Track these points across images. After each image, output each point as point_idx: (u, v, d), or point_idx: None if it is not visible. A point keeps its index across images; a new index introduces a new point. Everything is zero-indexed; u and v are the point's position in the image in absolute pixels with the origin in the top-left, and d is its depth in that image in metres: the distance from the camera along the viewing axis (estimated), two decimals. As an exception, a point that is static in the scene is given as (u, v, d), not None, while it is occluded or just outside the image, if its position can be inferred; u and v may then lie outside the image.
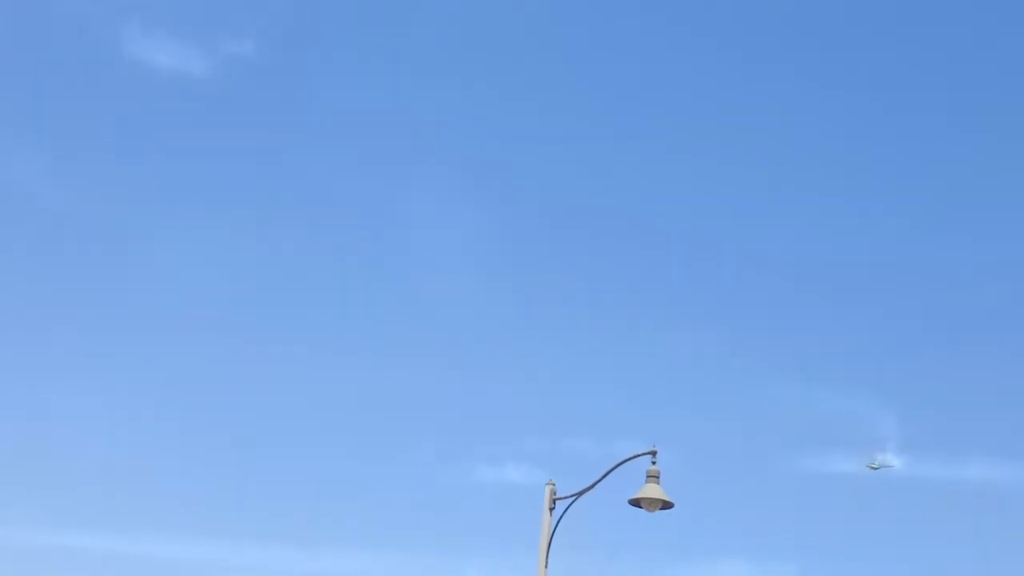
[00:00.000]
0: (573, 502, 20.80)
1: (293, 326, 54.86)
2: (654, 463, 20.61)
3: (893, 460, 44.77)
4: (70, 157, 55.68)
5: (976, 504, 48.54)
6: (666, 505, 20.49)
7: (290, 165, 56.34)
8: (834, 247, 58.64)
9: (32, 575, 43.59)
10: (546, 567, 20.61)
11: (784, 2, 61.13)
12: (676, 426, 49.55)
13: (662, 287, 58.24)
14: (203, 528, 46.27)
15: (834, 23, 61.28)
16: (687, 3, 61.22)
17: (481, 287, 56.56)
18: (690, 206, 59.56)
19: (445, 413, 51.88)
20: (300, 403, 51.97)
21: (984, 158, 59.09)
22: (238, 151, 56.95)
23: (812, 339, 56.85)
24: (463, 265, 56.38)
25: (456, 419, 51.88)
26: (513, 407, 52.56)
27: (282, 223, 56.58)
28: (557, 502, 20.86)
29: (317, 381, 52.90)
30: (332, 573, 46.35)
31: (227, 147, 56.95)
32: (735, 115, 60.05)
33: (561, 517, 20.79)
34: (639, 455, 20.69)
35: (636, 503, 20.53)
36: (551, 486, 20.99)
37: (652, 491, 20.36)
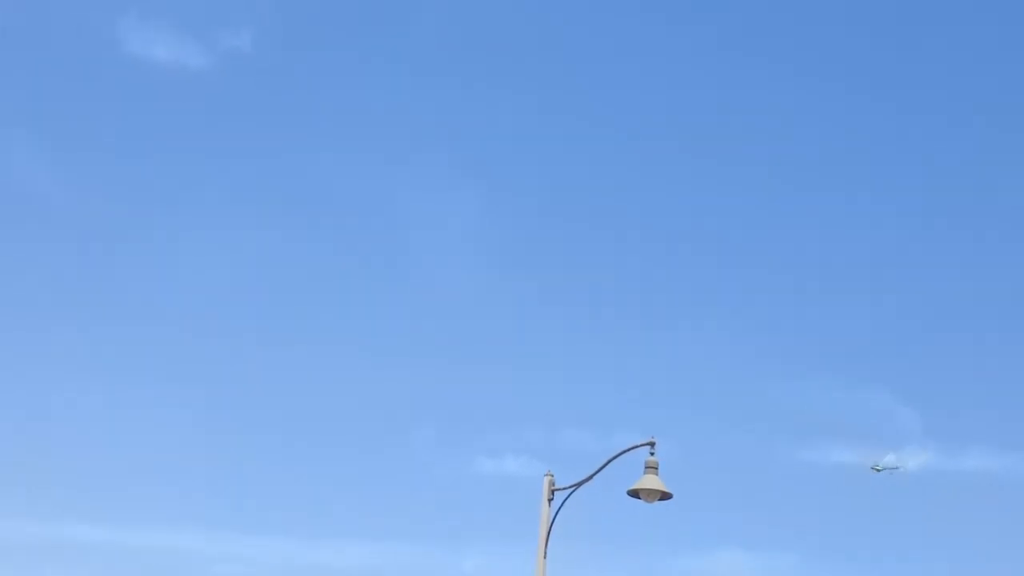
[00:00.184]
0: (572, 493, 20.84)
1: (293, 321, 54.99)
2: (652, 454, 20.64)
3: (897, 462, 44.94)
4: (68, 151, 55.74)
5: (976, 494, 48.67)
6: (665, 496, 20.52)
7: (289, 162, 56.42)
8: (833, 246, 58.85)
9: (33, 567, 43.64)
10: (545, 557, 20.65)
11: (784, 2, 61.21)
12: (674, 418, 49.66)
13: (662, 284, 58.39)
14: (204, 520, 46.41)
15: (834, 23, 61.39)
16: (687, 3, 61.32)
17: (481, 283, 56.68)
18: (690, 204, 59.72)
19: (444, 405, 51.98)
20: (300, 397, 52.08)
21: (984, 157, 59.27)
22: (237, 147, 57.02)
23: (811, 335, 57.01)
24: (463, 261, 56.51)
25: (455, 411, 51.98)
26: (512, 399, 52.67)
27: (282, 219, 56.67)
28: (556, 493, 20.89)
29: (317, 375, 53.03)
30: (332, 564, 46.45)
31: (226, 143, 57.05)
32: (735, 115, 60.18)
33: (560, 508, 20.83)
34: (637, 446, 20.72)
35: (635, 494, 20.55)
36: (550, 477, 21.02)
37: (651, 482, 20.39)
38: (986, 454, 49.74)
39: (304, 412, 51.50)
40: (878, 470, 45.01)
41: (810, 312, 57.80)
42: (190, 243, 55.37)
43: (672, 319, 56.59)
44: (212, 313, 54.08)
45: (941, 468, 49.10)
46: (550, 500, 20.86)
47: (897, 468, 44.91)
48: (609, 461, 20.63)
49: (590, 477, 20.70)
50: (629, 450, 20.66)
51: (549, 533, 20.72)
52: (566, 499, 20.82)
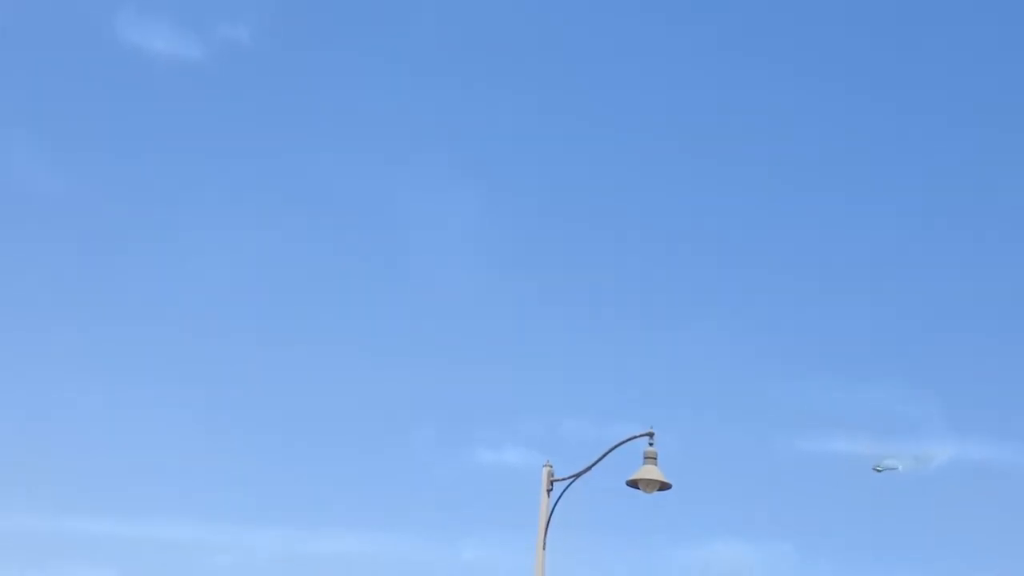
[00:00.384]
0: (571, 484, 20.87)
1: (293, 318, 54.91)
2: (651, 444, 20.67)
3: (898, 464, 45.34)
4: (66, 146, 55.63)
5: (976, 485, 48.79)
6: (664, 486, 20.55)
7: (288, 161, 56.35)
8: (832, 246, 58.98)
9: (36, 560, 43.73)
10: (544, 548, 20.68)
11: (784, 2, 61.22)
12: (672, 411, 49.70)
13: (662, 282, 58.32)
14: (205, 512, 46.42)
15: (834, 23, 61.36)
16: (687, 3, 61.30)
17: (480, 281, 56.67)
18: (690, 204, 59.82)
19: (443, 397, 51.99)
20: (299, 392, 52.09)
21: (984, 157, 59.38)
22: (236, 145, 56.88)
23: (810, 333, 57.07)
24: (463, 260, 56.49)
25: (453, 403, 51.99)
26: (511, 391, 52.69)
27: (281, 217, 56.65)
28: (555, 484, 20.92)
29: (316, 371, 52.99)
30: (331, 555, 46.50)
31: (224, 141, 56.91)
32: (735, 115, 60.24)
33: (559, 499, 20.87)
34: (636, 436, 20.75)
35: (634, 484, 20.58)
36: (548, 468, 21.05)
37: (650, 472, 20.42)
38: (985, 445, 49.86)
39: (303, 407, 51.51)
40: (879, 470, 45.37)
41: (810, 311, 57.85)
42: (189, 241, 55.32)
43: (672, 317, 56.61)
44: (212, 310, 54.05)
45: (941, 460, 49.24)
46: (549, 491, 20.89)
47: (897, 468, 45.36)
48: (608, 451, 20.67)
49: (589, 467, 20.74)
50: (628, 440, 20.69)
51: (548, 524, 20.75)
52: (565, 490, 20.86)
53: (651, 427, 20.70)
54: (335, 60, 58.83)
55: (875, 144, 60.35)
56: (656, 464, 20.54)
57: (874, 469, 45.39)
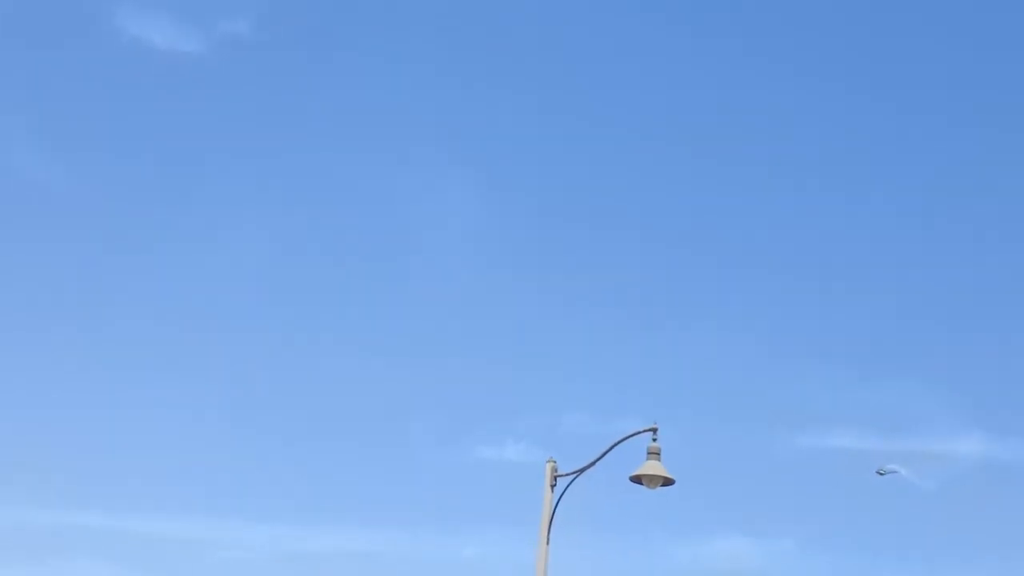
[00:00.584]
0: (574, 479, 20.83)
1: (293, 314, 54.98)
2: (655, 440, 20.64)
3: (900, 468, 45.67)
4: (65, 138, 55.65)
5: (975, 480, 48.82)
6: (667, 482, 20.53)
7: (288, 160, 56.48)
8: (832, 246, 59.09)
9: (40, 554, 43.77)
10: (547, 544, 20.65)
11: (785, 3, 61.23)
12: (675, 407, 49.72)
13: (662, 279, 58.47)
14: (207, 508, 46.48)
15: (834, 23, 61.40)
16: (687, 3, 61.31)
17: (482, 276, 56.77)
18: (689, 202, 59.91)
19: (444, 393, 52.02)
20: (300, 388, 52.15)
21: (983, 156, 59.43)
22: (235, 145, 56.98)
23: (811, 331, 57.23)
24: (463, 257, 56.58)
25: (455, 398, 52.01)
26: (511, 387, 52.72)
27: (282, 214, 56.70)
28: (558, 479, 20.89)
29: (317, 366, 53.05)
30: (333, 552, 46.53)
31: (224, 135, 56.97)
32: (735, 115, 60.29)
33: (562, 494, 20.83)
34: (640, 432, 20.72)
35: (637, 480, 20.56)
36: (552, 463, 21.01)
37: (653, 468, 20.39)
38: (986, 442, 49.87)
39: (304, 405, 51.58)
40: (882, 474, 45.74)
41: (811, 309, 57.99)
42: (189, 238, 55.41)
43: (674, 313, 56.70)
44: (213, 308, 54.13)
45: (944, 455, 49.31)
46: (552, 486, 20.86)
47: (898, 471, 45.70)
48: (612, 447, 20.63)
49: (593, 463, 20.70)
50: (632, 436, 20.66)
51: (552, 519, 20.72)
52: (568, 485, 20.82)
53: (654, 422, 20.68)
54: (335, 56, 58.87)
55: (875, 144, 60.42)
56: (659, 459, 20.51)
57: (878, 472, 45.67)
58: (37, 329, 50.78)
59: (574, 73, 60.85)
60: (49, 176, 53.97)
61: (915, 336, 57.36)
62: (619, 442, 20.71)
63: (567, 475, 20.88)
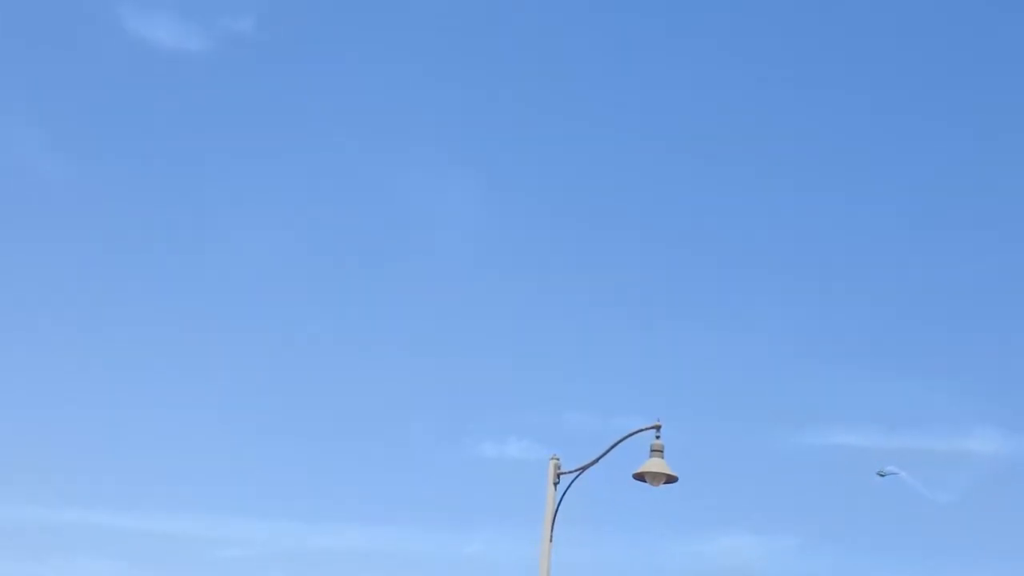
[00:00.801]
0: (577, 477, 20.80)
1: (296, 311, 55.05)
2: (658, 437, 20.60)
3: (898, 470, 45.87)
4: (69, 134, 55.68)
5: (977, 475, 48.88)
6: (670, 479, 20.48)
7: (288, 155, 56.54)
8: (832, 245, 59.20)
9: (42, 550, 43.81)
10: (550, 541, 20.63)
11: (782, 3, 61.35)
12: (677, 404, 49.77)
13: (662, 277, 58.67)
14: (211, 506, 46.55)
15: (832, 24, 61.53)
16: (686, 4, 61.43)
17: (484, 274, 56.94)
18: (689, 202, 60.05)
19: (447, 390, 52.08)
20: (303, 386, 52.19)
21: (983, 156, 59.55)
22: (236, 144, 57.08)
23: (812, 327, 57.33)
24: (465, 255, 56.66)
25: (458, 396, 52.06)
26: (515, 383, 52.75)
27: (283, 213, 56.76)
28: (561, 476, 20.85)
29: (320, 363, 53.12)
30: (336, 549, 46.55)
31: (226, 133, 57.00)
32: (735, 115, 60.43)
33: (565, 492, 20.80)
34: (643, 429, 20.68)
35: (640, 477, 20.52)
36: (555, 461, 20.98)
37: (656, 465, 20.35)
38: (990, 438, 49.89)
39: (307, 402, 51.65)
40: (882, 475, 45.92)
41: (811, 308, 58.16)
42: (190, 237, 55.50)
43: (676, 312, 56.89)
44: (216, 307, 54.24)
45: (947, 451, 49.36)
46: (555, 484, 20.83)
47: (898, 473, 45.87)
48: (616, 444, 20.59)
49: (596, 460, 20.67)
50: (635, 433, 20.62)
51: (555, 517, 20.69)
52: (572, 482, 20.79)
53: (658, 420, 20.64)
54: (336, 55, 58.95)
55: (876, 144, 60.50)
56: (663, 457, 20.48)
57: (878, 474, 45.83)
58: (38, 329, 50.85)
59: (574, 74, 61.06)
60: (53, 172, 54.08)
61: (916, 334, 57.47)
62: (622, 439, 20.68)
63: (570, 472, 20.85)
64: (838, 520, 48.39)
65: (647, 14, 61.10)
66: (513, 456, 46.26)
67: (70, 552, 43.86)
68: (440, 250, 56.24)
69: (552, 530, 20.64)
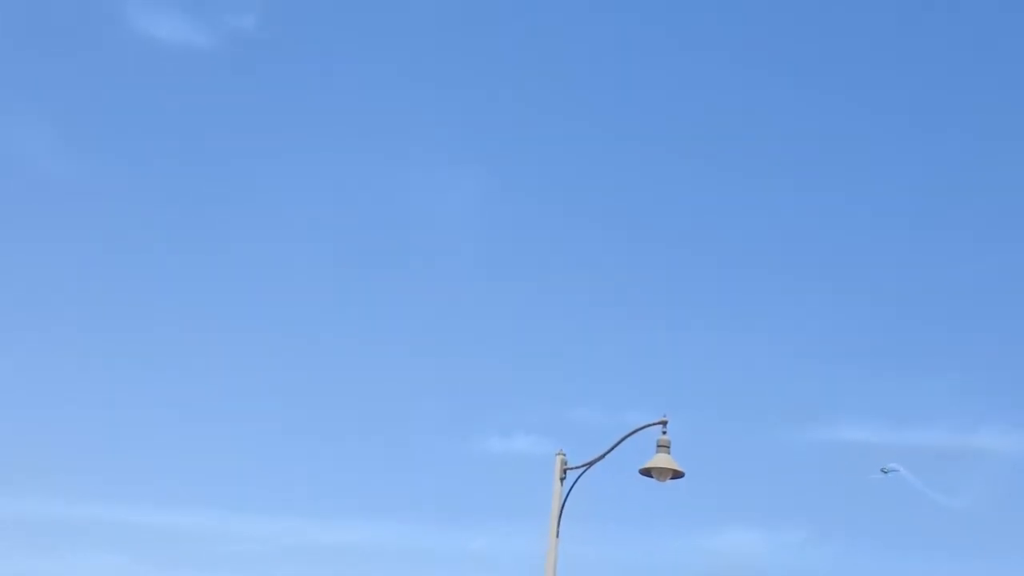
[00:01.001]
0: (584, 472, 20.82)
1: (300, 308, 55.07)
2: (665, 433, 20.62)
3: (900, 467, 46.04)
4: (75, 130, 55.74)
5: (983, 471, 48.89)
6: (676, 474, 20.51)
7: (289, 155, 56.58)
8: (832, 245, 59.28)
9: (50, 545, 43.92)
10: (557, 537, 20.64)
11: (780, 4, 61.39)
12: (683, 399, 49.80)
13: (668, 277, 58.69)
14: (218, 501, 46.61)
15: (833, 24, 61.55)
16: (687, 4, 61.48)
17: (489, 271, 56.98)
18: (689, 202, 60.12)
19: (454, 385, 52.11)
20: (310, 383, 52.24)
21: (982, 156, 59.59)
22: (237, 144, 57.10)
23: (816, 324, 57.42)
24: (468, 252, 56.70)
25: (465, 391, 52.10)
26: (522, 379, 52.79)
27: (285, 212, 56.80)
28: (568, 472, 20.87)
29: (326, 359, 53.16)
30: (342, 545, 46.59)
31: (228, 132, 57.05)
32: (735, 115, 60.48)
33: (572, 487, 20.82)
34: (649, 425, 20.70)
35: (647, 472, 20.53)
36: (561, 456, 20.99)
37: (663, 460, 20.37)
38: (994, 433, 49.93)
39: (312, 399, 51.68)
40: (885, 472, 46.09)
41: (815, 307, 58.20)
42: (190, 239, 55.55)
43: (682, 310, 56.91)
44: (220, 307, 54.29)
45: (953, 447, 49.43)
46: (562, 479, 20.84)
47: (899, 470, 46.08)
48: (623, 439, 20.61)
49: (603, 455, 20.68)
50: (642, 428, 20.64)
51: (561, 512, 20.71)
52: (578, 478, 20.81)
53: (664, 416, 20.65)
54: (339, 55, 58.96)
55: (876, 144, 60.55)
56: (669, 452, 20.49)
57: (881, 471, 45.96)
58: (39, 328, 50.92)
59: (575, 74, 61.11)
60: (57, 169, 54.12)
61: (917, 333, 57.56)
62: (629, 435, 20.69)
63: (577, 468, 20.87)
64: (843, 515, 48.40)
65: (647, 14, 61.17)
66: (519, 451, 46.28)
67: (77, 547, 43.96)
68: (443, 248, 56.31)
69: (558, 525, 20.66)
